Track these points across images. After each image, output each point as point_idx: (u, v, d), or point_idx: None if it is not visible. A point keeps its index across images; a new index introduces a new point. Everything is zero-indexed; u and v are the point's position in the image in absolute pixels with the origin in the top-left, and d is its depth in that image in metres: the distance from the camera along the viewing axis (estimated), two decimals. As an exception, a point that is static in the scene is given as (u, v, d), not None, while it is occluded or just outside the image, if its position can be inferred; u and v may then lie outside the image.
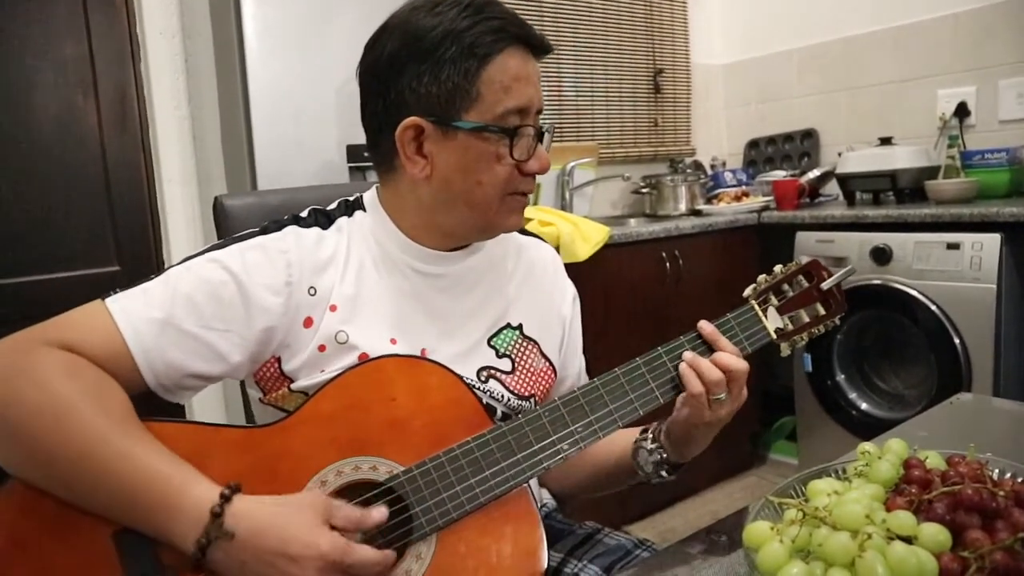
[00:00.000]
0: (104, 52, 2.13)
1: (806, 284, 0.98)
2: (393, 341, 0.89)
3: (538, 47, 0.89)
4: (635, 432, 1.00)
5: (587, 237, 2.30)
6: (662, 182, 3.15)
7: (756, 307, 0.95)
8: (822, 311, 0.98)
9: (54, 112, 2.06)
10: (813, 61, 3.39)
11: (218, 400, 2.28)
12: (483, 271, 0.99)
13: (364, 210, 0.95)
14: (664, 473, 0.98)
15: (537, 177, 0.93)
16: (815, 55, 3.38)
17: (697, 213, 3.04)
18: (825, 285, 0.97)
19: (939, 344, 2.30)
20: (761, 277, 0.98)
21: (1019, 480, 0.70)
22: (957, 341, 2.26)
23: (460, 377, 0.86)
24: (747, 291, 0.96)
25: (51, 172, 2.06)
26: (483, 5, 0.86)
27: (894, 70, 3.11)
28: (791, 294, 0.97)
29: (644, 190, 3.21)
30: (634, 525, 2.56)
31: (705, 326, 0.91)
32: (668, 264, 2.57)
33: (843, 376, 2.63)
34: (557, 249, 2.21)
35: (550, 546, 0.98)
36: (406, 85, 0.85)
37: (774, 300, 0.96)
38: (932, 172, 2.72)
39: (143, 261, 2.20)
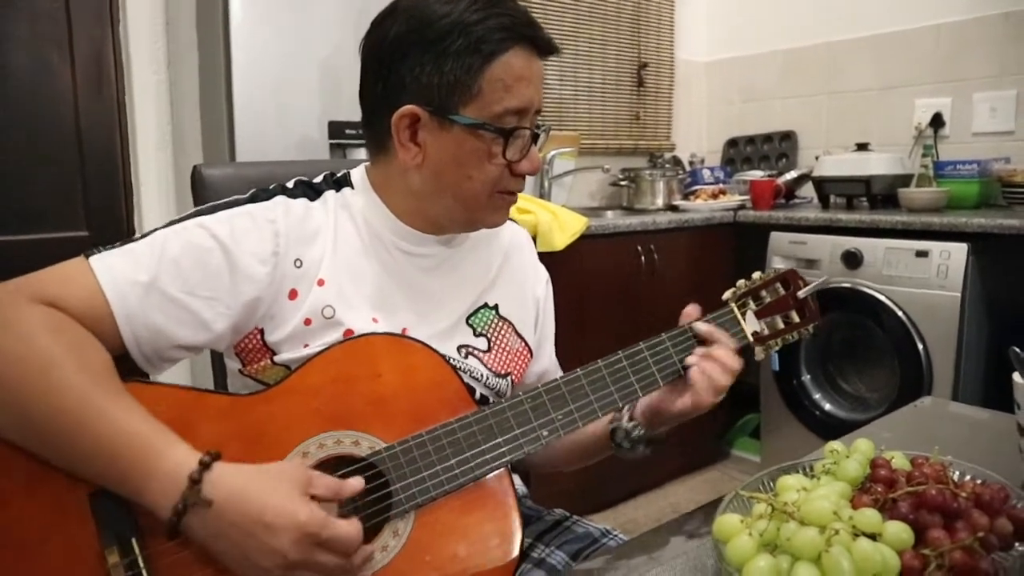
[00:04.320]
0: (81, 9, 2.08)
1: (783, 291, 1.01)
2: (375, 320, 0.89)
3: (544, 48, 0.88)
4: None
5: (565, 227, 2.30)
6: (641, 176, 3.16)
7: (736, 310, 0.97)
8: (797, 319, 1.00)
9: (26, 67, 2.01)
10: (796, 64, 3.42)
11: (185, 373, 2.25)
12: (465, 252, 1.00)
13: (351, 187, 0.94)
14: (643, 447, 0.98)
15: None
16: (798, 58, 3.41)
17: (674, 208, 3.06)
18: (801, 294, 1.00)
19: (903, 349, 2.35)
20: (740, 282, 1.00)
21: (979, 482, 0.72)
22: (921, 347, 2.31)
23: (445, 358, 0.86)
24: (727, 294, 0.98)
25: (21, 130, 2.01)
26: (495, 0, 0.86)
27: (874, 77, 3.15)
28: (768, 300, 1.00)
29: (622, 183, 3.22)
30: (595, 515, 2.58)
31: (702, 326, 0.93)
32: (643, 258, 2.59)
33: (808, 376, 2.67)
34: (535, 237, 2.22)
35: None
36: (408, 71, 0.85)
37: (752, 305, 0.99)
38: (905, 180, 2.77)
39: (113, 227, 2.15)
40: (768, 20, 3.52)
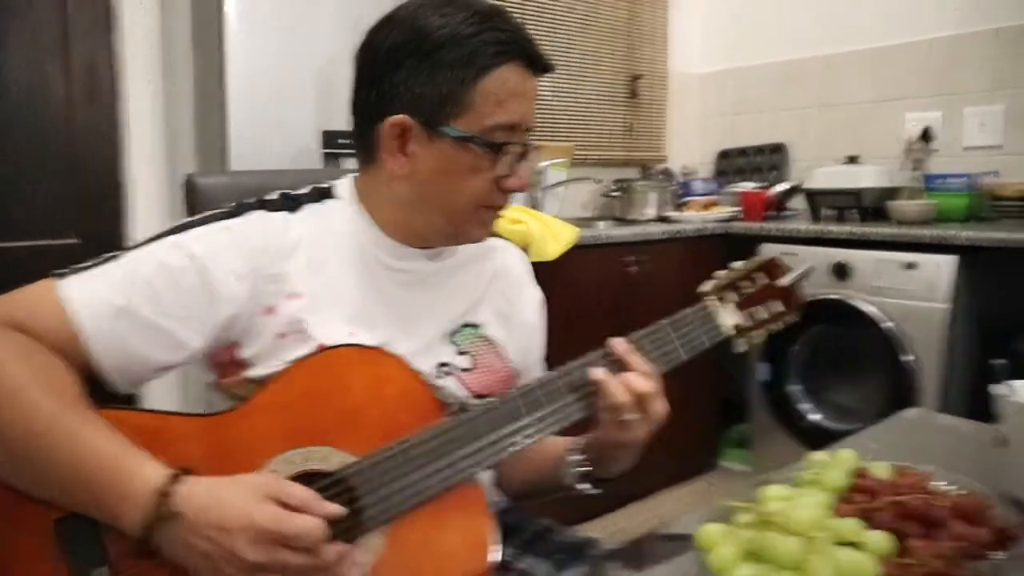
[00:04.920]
0: (79, 19, 2.09)
1: (765, 281, 0.98)
2: (352, 333, 0.88)
3: (539, 65, 0.88)
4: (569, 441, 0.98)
5: (557, 237, 2.32)
6: (633, 187, 3.18)
7: (713, 303, 0.95)
8: (780, 308, 0.98)
9: (23, 77, 2.02)
10: (788, 76, 3.45)
11: (170, 388, 2.25)
12: (451, 270, 0.99)
13: (336, 198, 0.94)
14: (588, 486, 0.95)
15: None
16: (791, 71, 3.43)
17: (666, 220, 3.07)
18: (784, 282, 0.98)
19: (891, 360, 2.36)
20: (720, 273, 0.97)
21: (960, 492, 0.73)
22: (909, 358, 2.33)
23: (417, 371, 0.85)
24: (704, 286, 0.96)
25: (15, 138, 2.02)
26: (491, 15, 0.86)
27: (865, 91, 3.18)
28: (750, 290, 0.97)
29: (615, 194, 3.24)
30: (585, 525, 2.58)
31: (618, 345, 0.88)
32: (635, 268, 2.60)
33: (797, 387, 2.68)
34: (527, 248, 2.23)
35: (504, 541, 0.99)
36: (401, 81, 0.85)
37: (734, 296, 0.96)
38: (895, 193, 2.79)
39: (104, 236, 2.16)
40: (761, 33, 3.55)
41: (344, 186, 0.96)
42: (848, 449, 0.81)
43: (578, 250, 2.37)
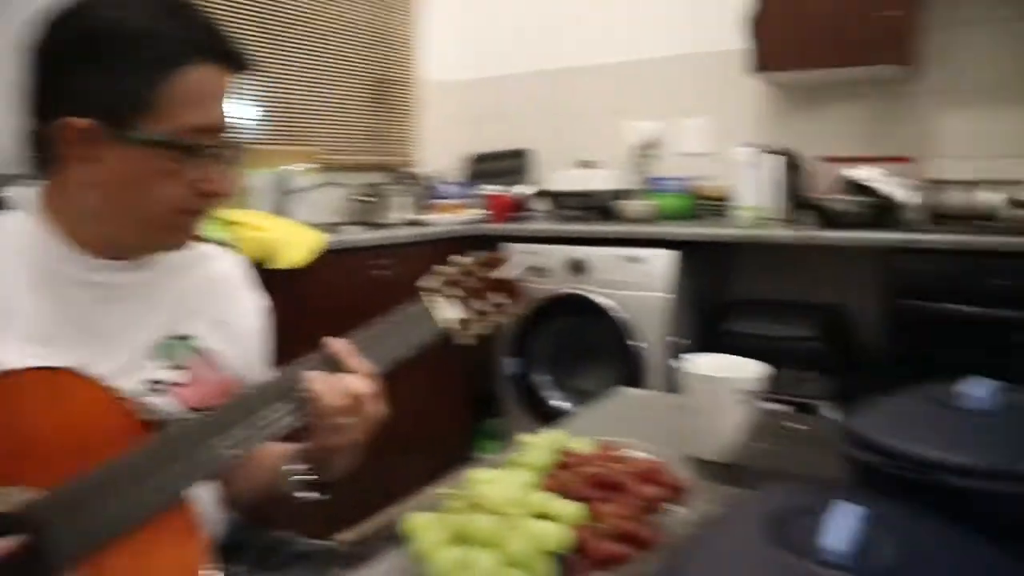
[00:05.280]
0: None
1: (486, 274, 1.00)
2: (35, 355, 0.77)
3: (234, 62, 0.84)
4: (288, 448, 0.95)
5: (301, 243, 2.26)
6: (383, 191, 3.19)
7: (432, 298, 0.96)
8: (503, 300, 1.00)
9: None
10: (532, 86, 3.66)
11: None
12: (156, 280, 0.92)
13: (10, 210, 0.85)
14: (310, 494, 0.92)
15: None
16: (534, 81, 3.66)
17: (416, 223, 3.11)
18: (503, 274, 1.01)
19: (623, 347, 2.58)
20: (441, 268, 0.98)
21: (646, 458, 0.80)
22: (639, 344, 2.55)
23: (116, 391, 0.78)
24: (424, 282, 0.97)
25: None
26: (177, 7, 0.81)
27: (600, 101, 3.47)
28: (472, 284, 0.99)
29: (364, 198, 3.22)
30: (342, 531, 2.53)
31: (332, 344, 0.86)
32: (386, 272, 2.60)
33: (544, 377, 2.85)
34: (271, 255, 2.16)
35: (233, 559, 0.95)
36: (79, 80, 0.78)
37: (457, 291, 0.98)
38: (624, 194, 3.05)
39: None
40: (507, 45, 3.74)
41: (24, 197, 0.86)
42: (556, 429, 0.87)
43: (329, 255, 2.33)
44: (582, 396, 2.82)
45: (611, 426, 1.04)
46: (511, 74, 3.72)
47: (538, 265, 2.71)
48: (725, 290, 3.00)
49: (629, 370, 2.55)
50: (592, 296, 2.62)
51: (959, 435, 0.76)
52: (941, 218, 2.48)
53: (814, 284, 2.87)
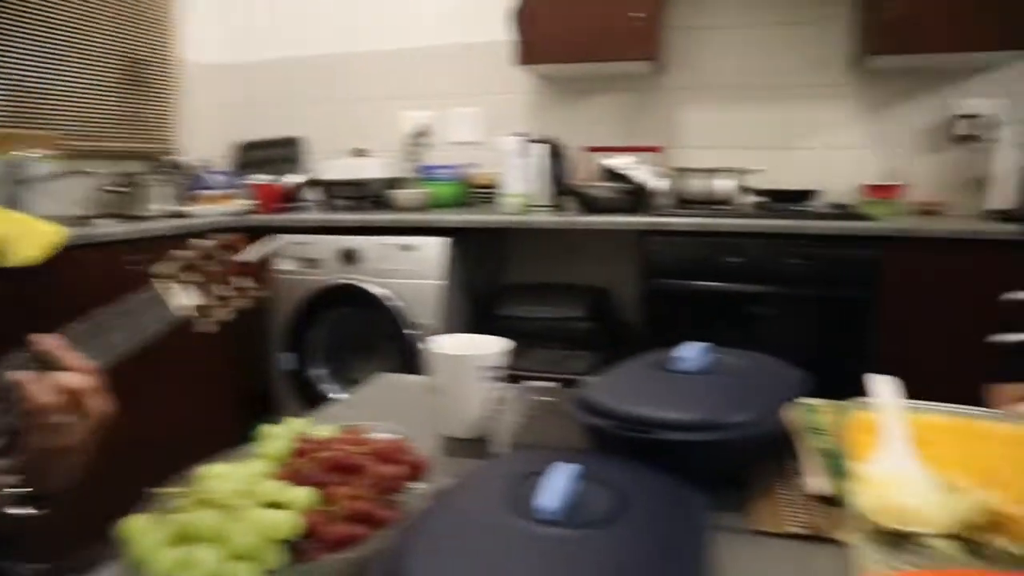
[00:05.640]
0: None
1: (228, 257, 0.97)
2: None
3: None
4: None
5: (35, 238, 2.03)
6: (139, 181, 2.95)
7: (164, 285, 0.92)
8: (248, 283, 0.98)
9: None
10: (302, 72, 3.55)
11: None
12: None
13: None
14: (26, 508, 0.82)
15: None
16: (305, 67, 3.54)
17: (178, 215, 2.91)
18: (246, 257, 0.98)
19: (399, 335, 2.58)
20: (176, 252, 0.94)
21: (393, 439, 0.81)
22: (414, 332, 2.56)
23: None
24: (156, 267, 0.92)
25: None
26: None
27: (372, 89, 3.43)
28: (212, 269, 0.96)
29: (118, 188, 2.96)
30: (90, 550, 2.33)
31: (40, 341, 0.79)
32: (142, 267, 2.41)
33: (321, 370, 2.78)
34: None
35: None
36: None
37: (196, 276, 0.94)
38: (397, 183, 3.05)
39: None
40: (276, 29, 3.60)
41: None
42: (299, 418, 0.85)
43: (75, 250, 2.12)
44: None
45: (369, 412, 1.04)
46: (282, 59, 3.60)
47: (310, 256, 2.64)
48: (498, 276, 3.09)
49: (405, 359, 2.56)
50: (366, 286, 2.60)
51: (673, 395, 0.84)
52: (685, 203, 2.72)
53: (580, 268, 3.04)
